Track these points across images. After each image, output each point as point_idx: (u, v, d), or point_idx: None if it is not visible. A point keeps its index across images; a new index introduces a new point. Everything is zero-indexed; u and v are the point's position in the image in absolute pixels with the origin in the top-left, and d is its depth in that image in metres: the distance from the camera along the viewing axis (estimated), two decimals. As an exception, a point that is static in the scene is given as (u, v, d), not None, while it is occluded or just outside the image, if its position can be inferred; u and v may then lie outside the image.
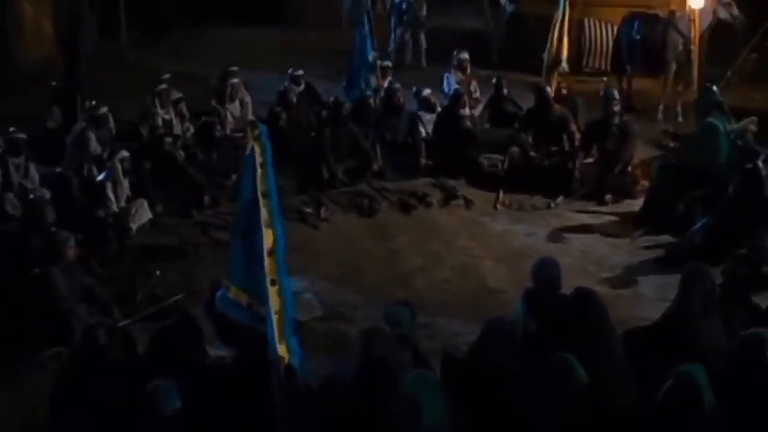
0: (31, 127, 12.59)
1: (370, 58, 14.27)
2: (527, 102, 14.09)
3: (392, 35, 18.98)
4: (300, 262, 9.73)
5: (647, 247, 10.83)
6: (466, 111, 13.56)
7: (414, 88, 14.67)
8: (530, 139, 13.01)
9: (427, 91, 14.42)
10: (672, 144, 13.49)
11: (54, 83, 14.08)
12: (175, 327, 7.52)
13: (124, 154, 11.47)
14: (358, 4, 16.07)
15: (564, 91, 14.07)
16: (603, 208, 12.02)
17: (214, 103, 14.07)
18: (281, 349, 6.83)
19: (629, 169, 12.42)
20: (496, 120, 14.11)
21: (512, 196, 12.35)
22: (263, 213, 7.02)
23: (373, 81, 14.63)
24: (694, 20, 13.90)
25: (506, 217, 11.92)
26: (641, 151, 12.93)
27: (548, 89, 13.33)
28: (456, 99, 13.60)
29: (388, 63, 15.57)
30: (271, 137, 7.01)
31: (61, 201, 10.66)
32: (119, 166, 11.31)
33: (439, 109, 14.09)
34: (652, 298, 9.48)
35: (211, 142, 12.57)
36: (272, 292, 6.94)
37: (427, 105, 14.22)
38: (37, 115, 13.62)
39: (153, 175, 11.86)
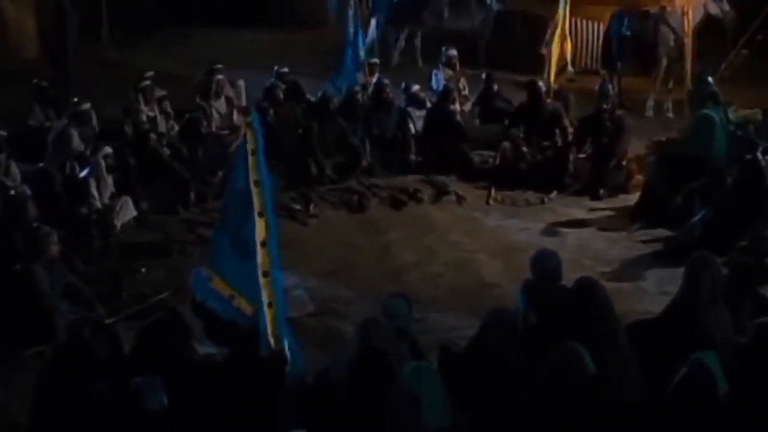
0: (12, 125, 12.35)
1: (362, 54, 14.06)
2: (516, 99, 13.93)
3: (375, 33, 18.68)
4: (289, 259, 9.35)
5: (644, 241, 10.63)
6: (456, 107, 13.33)
7: (403, 84, 14.47)
8: (522, 134, 12.80)
9: (416, 87, 14.21)
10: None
11: (35, 81, 13.78)
12: (162, 323, 7.25)
13: (108, 150, 11.19)
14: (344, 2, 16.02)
15: (555, 87, 13.86)
16: (598, 203, 11.85)
17: (199, 100, 13.77)
18: (274, 343, 6.63)
19: (623, 163, 12.22)
20: (487, 116, 13.91)
21: (505, 192, 12.16)
22: (256, 203, 6.82)
23: (360, 78, 14.43)
24: (687, 15, 13.68)
25: (499, 212, 11.71)
26: (635, 146, 12.71)
27: (540, 83, 13.11)
28: (446, 95, 13.38)
29: (376, 60, 15.40)
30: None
31: (44, 198, 10.35)
32: (102, 163, 11.04)
33: (428, 105, 13.86)
34: (653, 292, 9.29)
35: (197, 139, 12.27)
36: (264, 283, 6.73)
37: (416, 101, 14.00)
38: (20, 113, 13.34)
39: (138, 171, 11.56)
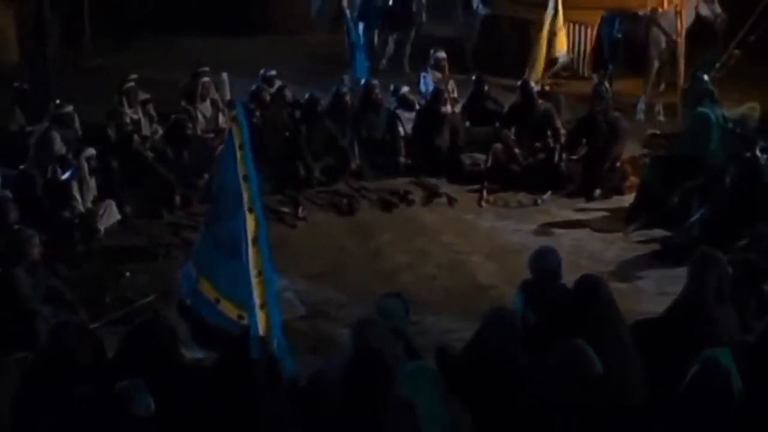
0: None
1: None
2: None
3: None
4: (278, 261, 9.08)
5: (641, 242, 10.44)
6: (447, 108, 13.07)
7: (392, 86, 14.25)
8: (513, 136, 12.59)
9: (405, 89, 13.99)
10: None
11: (16, 84, 13.50)
12: (147, 326, 6.99)
13: (91, 151, 10.94)
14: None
15: (546, 88, 13.67)
16: (592, 204, 11.64)
17: (184, 103, 13.50)
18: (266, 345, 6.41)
19: (618, 164, 12.00)
20: (477, 118, 13.65)
21: (497, 194, 11.94)
22: (245, 198, 6.61)
23: (348, 80, 14.21)
24: (680, 15, 13.50)
25: (492, 214, 11.49)
26: (629, 148, 12.50)
27: (532, 83, 12.91)
28: (436, 95, 13.12)
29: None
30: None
31: (25, 201, 10.09)
32: (85, 164, 10.79)
33: (417, 107, 13.64)
34: (652, 292, 9.10)
35: (182, 141, 12.00)
36: (256, 283, 6.52)
37: (405, 103, 13.77)
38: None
39: (121, 174, 11.34)
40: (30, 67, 14.65)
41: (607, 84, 12.49)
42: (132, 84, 13.18)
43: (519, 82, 13.06)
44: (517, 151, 12.39)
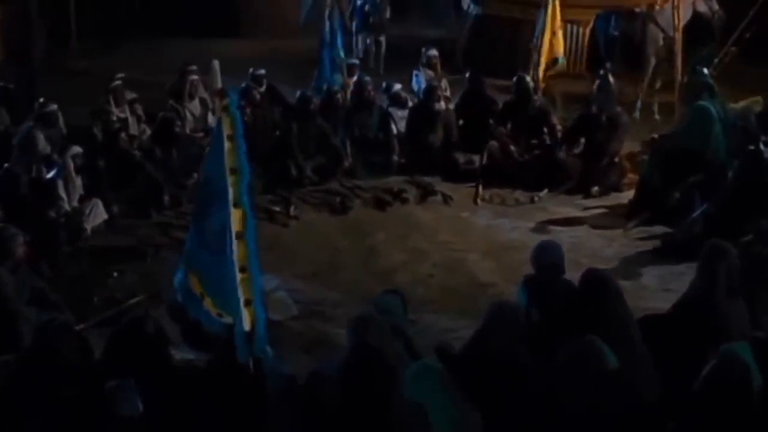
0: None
1: (342, 53, 13.60)
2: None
3: (354, 39, 18.29)
4: (270, 261, 8.87)
5: (642, 238, 10.21)
6: (441, 105, 12.84)
7: (384, 84, 14.03)
8: (509, 133, 12.38)
9: (397, 87, 13.77)
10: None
11: (1, 84, 13.22)
12: (136, 326, 6.72)
13: (77, 149, 10.65)
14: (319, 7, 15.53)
15: (542, 85, 13.43)
16: (590, 201, 11.42)
17: (172, 102, 13.22)
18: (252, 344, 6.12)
19: (616, 161, 11.77)
20: (471, 116, 13.38)
21: (493, 191, 11.70)
22: (231, 192, 6.30)
23: (339, 79, 13.92)
24: (677, 10, 13.28)
25: (488, 212, 11.25)
26: (627, 145, 12.27)
27: (528, 79, 12.67)
28: (430, 92, 12.89)
29: (355, 61, 14.91)
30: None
31: (8, 200, 9.80)
32: (71, 163, 10.49)
33: (410, 104, 13.41)
34: (655, 289, 8.88)
35: (171, 139, 11.77)
36: (241, 280, 6.22)
37: (398, 101, 13.53)
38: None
39: (108, 173, 11.04)
40: (15, 67, 14.40)
41: (611, 78, 12.15)
42: (119, 82, 12.95)
43: (515, 78, 12.82)
44: (512, 148, 12.16)
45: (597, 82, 12.49)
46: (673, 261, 9.41)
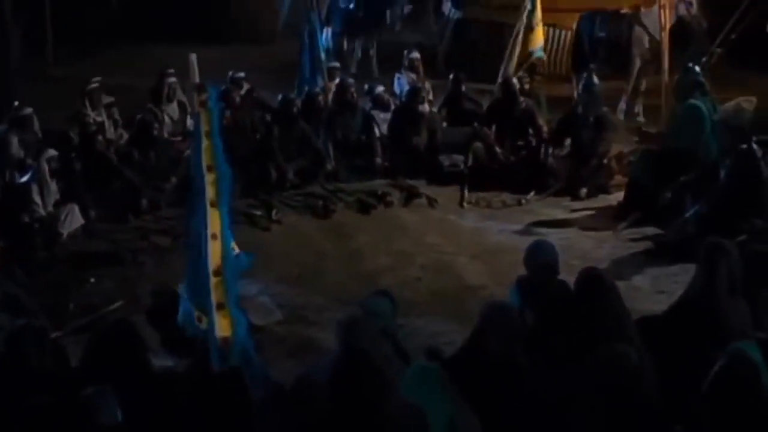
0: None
1: (323, 56, 13.39)
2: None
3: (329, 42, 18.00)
4: (253, 265, 8.69)
5: (633, 239, 10.00)
6: (425, 107, 12.60)
7: (366, 86, 13.80)
8: (494, 134, 12.17)
9: (380, 89, 13.54)
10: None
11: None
12: (113, 332, 6.47)
13: (52, 152, 10.39)
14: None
15: (527, 87, 13.23)
16: (578, 203, 11.20)
17: (150, 105, 12.92)
18: (224, 349, 5.86)
19: (604, 162, 11.56)
20: (454, 118, 13.17)
21: (479, 194, 11.46)
22: (208, 190, 6.06)
23: (320, 81, 13.69)
24: (664, 9, 13.12)
25: (475, 214, 11.02)
26: (614, 146, 12.06)
27: (514, 80, 12.46)
28: (414, 94, 12.64)
29: (336, 64, 14.64)
30: None
31: (-19, 206, 9.57)
32: (46, 167, 10.23)
33: (393, 107, 13.18)
34: (648, 291, 8.67)
35: (149, 142, 11.51)
36: (215, 283, 5.96)
37: (380, 103, 13.30)
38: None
39: (85, 177, 10.77)
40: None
41: (595, 79, 11.94)
42: (95, 85, 12.67)
43: (500, 79, 12.61)
44: (498, 150, 11.95)
45: (582, 82, 12.32)
46: (665, 262, 9.23)
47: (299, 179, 11.78)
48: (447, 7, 19.03)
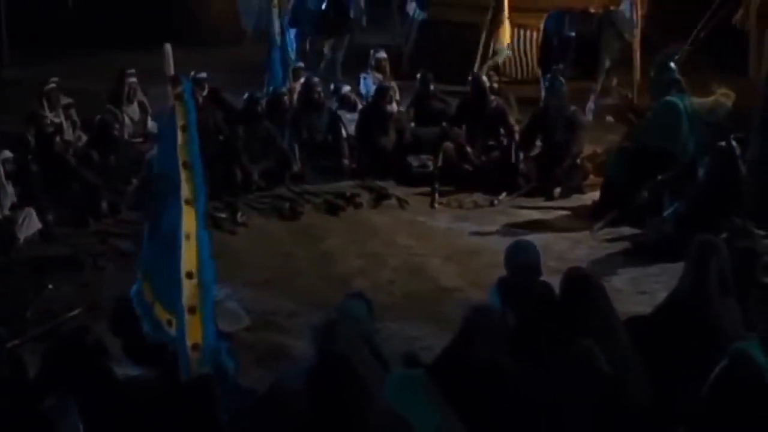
0: None
1: (293, 56, 13.11)
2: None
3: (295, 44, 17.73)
4: (219, 270, 8.34)
5: (611, 240, 9.77)
6: (393, 107, 12.32)
7: (332, 86, 13.51)
8: (464, 134, 11.93)
9: (346, 88, 13.27)
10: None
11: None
12: (73, 340, 6.14)
13: (6, 154, 10.01)
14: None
15: (496, 86, 13.01)
16: (552, 204, 10.97)
17: (110, 106, 12.53)
18: (194, 357, 5.54)
19: (578, 162, 11.33)
20: (423, 118, 12.89)
21: (450, 195, 11.21)
22: (184, 188, 5.73)
23: (286, 82, 13.38)
24: (636, 6, 12.95)
25: (446, 215, 10.75)
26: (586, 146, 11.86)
27: (484, 79, 12.22)
28: (382, 93, 12.37)
29: (301, 64, 14.35)
30: None
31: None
32: (1, 169, 9.86)
33: (360, 107, 12.90)
34: (629, 292, 8.43)
35: (109, 143, 11.15)
36: (188, 285, 5.64)
37: (347, 104, 13.01)
38: None
39: (42, 179, 10.41)
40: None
41: (561, 78, 11.71)
42: (53, 85, 12.25)
43: (470, 78, 12.37)
44: (469, 149, 11.70)
45: (547, 83, 12.12)
46: (644, 262, 9.04)
47: (265, 181, 11.48)
48: (411, 8, 18.84)
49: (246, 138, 11.62)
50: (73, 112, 12.52)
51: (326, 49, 17.43)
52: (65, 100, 12.50)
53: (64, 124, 12.12)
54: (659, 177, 9.73)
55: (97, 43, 19.37)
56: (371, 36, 19.78)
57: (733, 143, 9.21)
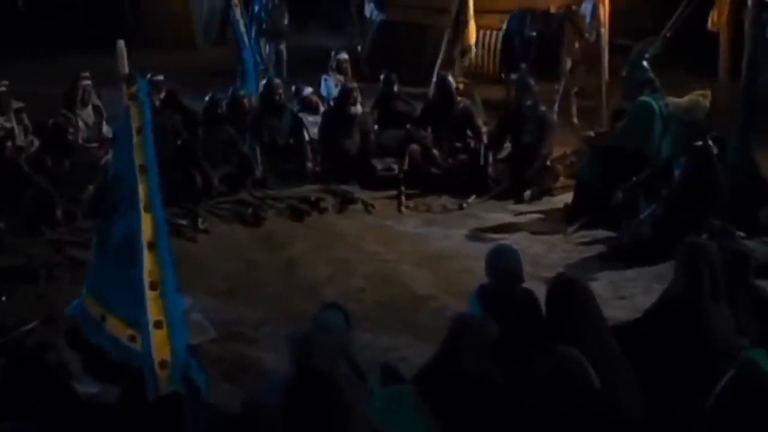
0: None
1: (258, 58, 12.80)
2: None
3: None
4: (180, 278, 7.97)
5: (585, 243, 9.50)
6: (357, 108, 11.99)
7: (293, 87, 13.16)
8: (430, 136, 11.67)
9: (308, 90, 12.96)
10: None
11: None
12: (31, 356, 5.77)
13: (-45, 160, 9.56)
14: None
15: (461, 86, 12.75)
16: (523, 207, 10.69)
17: (63, 110, 12.10)
18: (162, 374, 5.19)
19: (548, 164, 11.08)
20: (387, 120, 12.58)
21: (417, 198, 10.92)
22: (141, 193, 5.38)
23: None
24: (603, 5, 12.73)
25: (414, 219, 10.44)
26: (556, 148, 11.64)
27: (450, 79, 11.94)
28: (345, 94, 12.05)
29: (261, 66, 14.01)
30: None
31: None
32: (-50, 176, 9.41)
33: (322, 109, 12.58)
34: (608, 297, 8.13)
35: (63, 148, 10.72)
36: (152, 297, 5.29)
37: (309, 106, 12.69)
38: None
39: (-7, 186, 9.97)
40: None
41: (530, 79, 11.46)
42: (3, 89, 11.83)
43: (435, 78, 12.09)
44: (435, 152, 11.41)
45: (518, 80, 11.87)
46: (621, 266, 8.80)
47: (226, 186, 11.12)
48: (369, 9, 18.61)
49: (206, 141, 11.27)
50: (24, 116, 12.19)
51: (270, 53, 17.16)
52: (16, 104, 12.16)
53: (16, 129, 11.78)
54: (634, 179, 9.46)
55: (48, 45, 19.06)
56: (329, 38, 19.56)
57: (710, 143, 8.98)
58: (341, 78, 13.87)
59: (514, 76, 13.82)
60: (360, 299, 8.28)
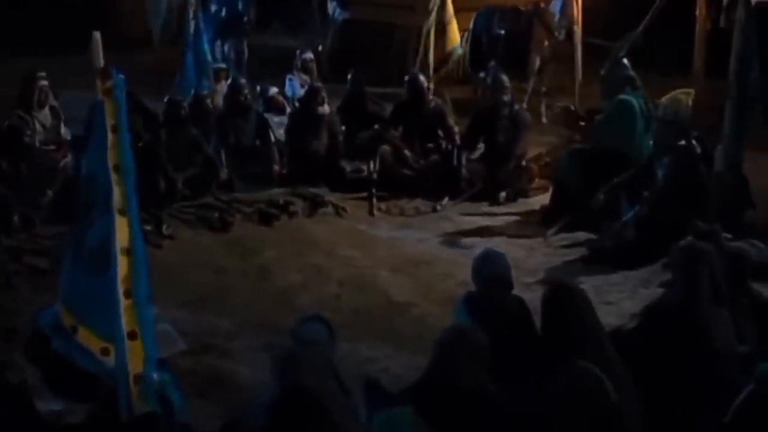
0: None
1: (209, 57, 12.40)
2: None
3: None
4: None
5: (566, 246, 9.21)
6: (325, 109, 11.63)
7: (258, 88, 12.78)
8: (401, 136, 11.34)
9: (273, 90, 12.59)
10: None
11: None
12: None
13: None
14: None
15: (431, 86, 12.46)
16: (498, 209, 10.40)
17: (20, 112, 11.63)
18: (135, 390, 4.87)
19: (523, 164, 10.80)
20: (355, 121, 12.23)
21: (389, 201, 10.58)
22: (116, 194, 5.04)
23: (207, 84, 12.65)
24: (578, 4, 12.50)
25: (388, 223, 10.10)
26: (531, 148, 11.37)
27: (421, 77, 11.63)
28: (313, 94, 11.64)
29: (223, 65, 13.66)
30: None
31: None
32: None
33: (288, 110, 12.21)
34: (595, 302, 7.53)
35: (20, 151, 10.26)
36: (126, 306, 4.96)
37: (274, 107, 12.33)
38: None
39: (-53, 192, 9.53)
40: None
41: (503, 76, 11.17)
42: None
43: (407, 78, 11.76)
44: (407, 153, 11.08)
45: (489, 78, 11.59)
46: (605, 270, 8.52)
47: (190, 189, 10.67)
48: (332, 7, 18.25)
49: (169, 144, 10.84)
50: (-22, 119, 11.68)
51: (230, 52, 16.79)
52: (-29, 107, 11.68)
53: (-30, 132, 11.24)
54: (615, 179, 9.19)
55: (7, 50, 18.44)
56: (291, 37, 19.21)
57: (694, 142, 8.75)
58: (307, 78, 13.49)
59: (482, 75, 13.62)
60: (336, 307, 7.91)
